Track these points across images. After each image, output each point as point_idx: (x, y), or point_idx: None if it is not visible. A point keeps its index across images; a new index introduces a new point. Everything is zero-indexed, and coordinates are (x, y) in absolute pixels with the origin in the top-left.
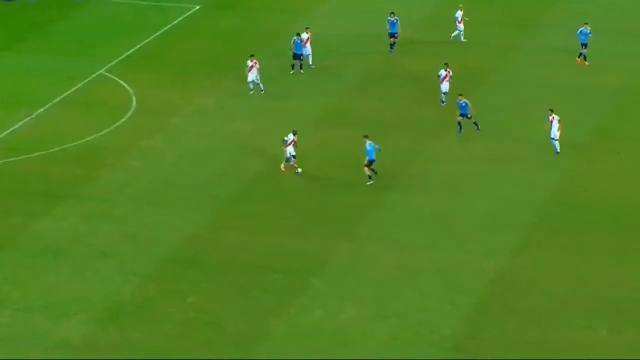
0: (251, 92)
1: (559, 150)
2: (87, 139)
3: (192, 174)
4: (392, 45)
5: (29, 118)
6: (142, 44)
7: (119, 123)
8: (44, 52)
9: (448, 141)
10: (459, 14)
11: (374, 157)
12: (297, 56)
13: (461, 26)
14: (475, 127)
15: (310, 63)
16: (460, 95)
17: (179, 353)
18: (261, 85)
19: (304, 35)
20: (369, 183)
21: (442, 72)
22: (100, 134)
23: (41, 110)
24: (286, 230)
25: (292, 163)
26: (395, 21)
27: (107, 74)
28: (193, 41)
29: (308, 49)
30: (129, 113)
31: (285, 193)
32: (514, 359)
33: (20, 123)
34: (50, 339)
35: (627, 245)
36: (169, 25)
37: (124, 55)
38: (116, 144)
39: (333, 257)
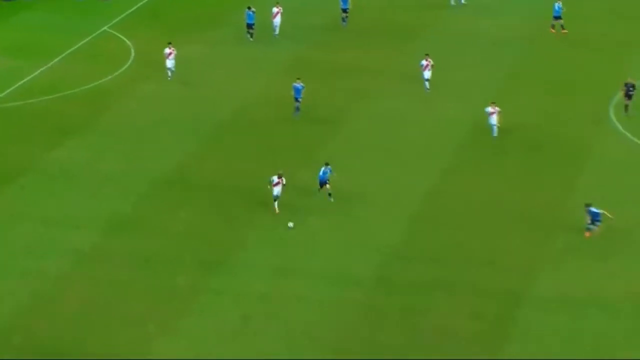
0: (169, 78)
1: (496, 134)
2: (94, 84)
3: (180, 113)
4: (344, 19)
5: (45, 67)
6: (140, 4)
7: (120, 71)
8: (56, 12)
9: (387, 83)
10: None
11: (325, 179)
12: (249, 26)
13: None
14: (296, 110)
15: (277, 33)
16: (298, 79)
17: (171, 259)
18: (173, 69)
19: (275, 10)
20: (331, 199)
21: (424, 62)
22: (104, 80)
23: (55, 60)
24: (258, 158)
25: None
26: None
27: (110, 30)
28: (183, 3)
29: (278, 21)
30: (128, 63)
31: (257, 127)
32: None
33: (39, 71)
34: (64, 247)
35: (536, 169)
36: None
37: (124, 14)
38: (118, 88)
39: (297, 180)
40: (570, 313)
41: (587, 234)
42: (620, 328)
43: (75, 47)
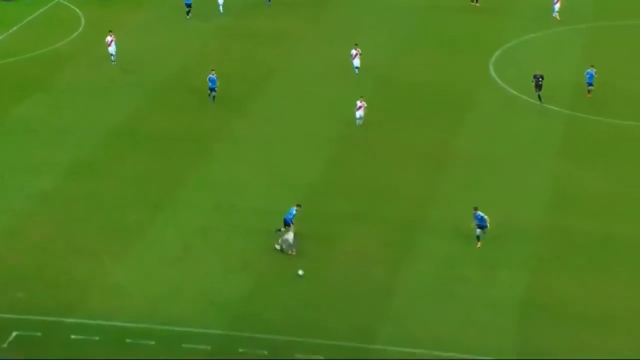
0: (113, 63)
1: (360, 124)
2: (50, 48)
3: (129, 73)
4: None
5: (6, 34)
6: None
7: (72, 37)
8: None
9: (306, 47)
10: None
11: (290, 221)
12: (188, 5)
13: None
14: (212, 99)
15: (222, 11)
16: (212, 70)
17: (121, 199)
18: (115, 54)
19: None
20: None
21: (353, 52)
22: (59, 44)
23: (15, 27)
24: (196, 111)
25: (285, 244)
26: None
27: (62, 1)
28: None
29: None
30: (79, 29)
31: (196, 86)
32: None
33: (0, 37)
34: (29, 191)
35: (428, 114)
36: None
37: None
38: (71, 51)
39: (230, 130)
40: (460, 239)
41: (479, 244)
42: (500, 250)
43: (32, 16)
